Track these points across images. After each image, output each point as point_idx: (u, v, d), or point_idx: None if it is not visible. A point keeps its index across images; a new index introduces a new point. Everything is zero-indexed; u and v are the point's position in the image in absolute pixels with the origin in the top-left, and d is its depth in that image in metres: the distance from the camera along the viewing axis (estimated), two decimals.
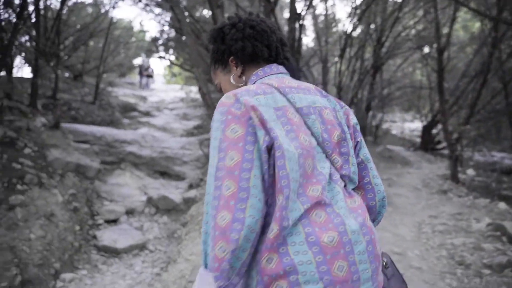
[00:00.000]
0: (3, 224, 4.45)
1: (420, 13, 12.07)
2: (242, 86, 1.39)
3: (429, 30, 11.53)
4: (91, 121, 11.17)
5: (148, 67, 19.03)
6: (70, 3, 13.02)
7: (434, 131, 13.73)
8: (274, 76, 1.36)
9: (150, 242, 6.28)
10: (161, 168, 10.15)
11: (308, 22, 15.76)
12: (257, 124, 1.14)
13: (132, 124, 13.15)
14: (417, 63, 15.69)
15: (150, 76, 19.18)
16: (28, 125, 7.49)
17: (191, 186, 8.83)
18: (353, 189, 1.35)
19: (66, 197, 5.76)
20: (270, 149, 1.14)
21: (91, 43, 15.84)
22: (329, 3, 26.23)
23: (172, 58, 16.98)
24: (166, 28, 14.69)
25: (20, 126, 7.27)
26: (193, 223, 5.66)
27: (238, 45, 1.37)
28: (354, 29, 11.40)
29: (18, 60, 13.51)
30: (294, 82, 1.35)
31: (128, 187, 9.15)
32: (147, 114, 14.94)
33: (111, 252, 5.80)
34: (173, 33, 14.68)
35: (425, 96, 15.18)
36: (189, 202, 7.58)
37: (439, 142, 13.88)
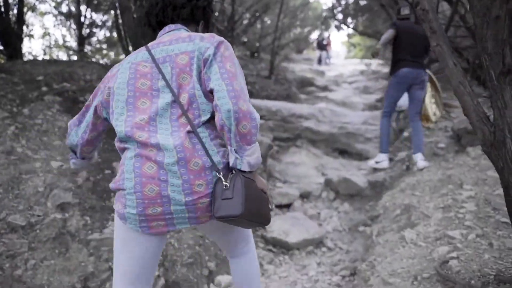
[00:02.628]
0: None
1: None
2: None
3: None
4: (266, 95, 10.30)
5: (324, 39, 17.58)
6: None
7: None
8: (166, 34, 1.78)
9: (328, 237, 4.87)
10: (341, 146, 8.65)
11: None
12: (110, 78, 1.75)
13: (309, 99, 11.95)
14: None
15: (325, 47, 17.63)
16: None
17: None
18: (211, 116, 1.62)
19: None
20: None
21: (267, 20, 15.13)
22: None
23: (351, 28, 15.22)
24: None
25: None
26: (387, 218, 4.04)
27: (144, 20, 1.91)
28: None
29: None
30: (169, 37, 1.72)
31: (304, 166, 7.92)
32: (324, 88, 13.61)
33: (281, 247, 4.56)
34: None
35: None
36: (376, 187, 5.93)
37: None
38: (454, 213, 3.41)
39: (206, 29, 1.94)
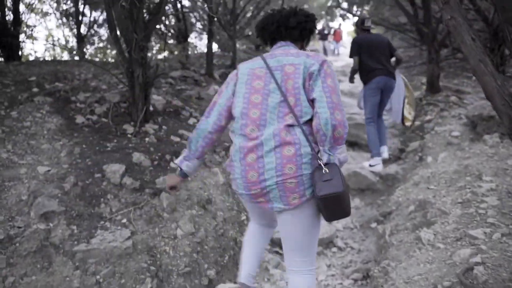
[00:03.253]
0: (143, 215, 3.28)
1: None
2: None
3: None
4: None
5: (325, 29, 17.07)
6: None
7: None
8: (278, 49, 2.14)
9: (338, 235, 4.56)
10: (350, 137, 8.30)
11: None
12: (232, 79, 2.12)
13: None
14: None
15: (326, 37, 17.09)
16: (199, 94, 6.48)
17: (388, 159, 6.79)
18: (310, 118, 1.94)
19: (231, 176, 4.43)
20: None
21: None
22: None
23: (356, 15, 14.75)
24: None
25: (190, 95, 6.28)
26: (400, 215, 3.70)
27: (257, 34, 2.27)
28: None
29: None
30: (281, 51, 2.09)
31: None
32: None
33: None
34: None
35: None
36: (388, 181, 5.59)
37: None
38: (474, 208, 3.06)
39: (307, 44, 2.31)
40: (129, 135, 4.33)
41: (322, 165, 1.86)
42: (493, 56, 9.80)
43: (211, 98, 7.18)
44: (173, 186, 2.25)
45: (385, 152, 5.52)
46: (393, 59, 5.47)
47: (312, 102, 1.93)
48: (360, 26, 5.50)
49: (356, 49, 5.22)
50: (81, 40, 8.77)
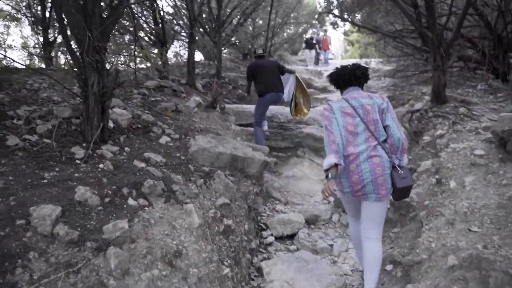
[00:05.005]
0: (79, 284, 2.21)
1: None
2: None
3: None
4: None
5: (313, 38, 16.14)
6: None
7: None
8: (349, 92, 3.12)
9: (347, 283, 3.53)
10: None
11: None
12: (331, 113, 2.99)
13: None
14: None
15: (313, 46, 16.16)
16: (176, 106, 5.43)
17: None
18: (385, 139, 2.98)
19: (211, 214, 3.37)
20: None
21: (259, 20, 13.82)
22: None
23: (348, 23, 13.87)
24: None
25: (165, 107, 5.23)
26: (437, 269, 2.67)
27: (334, 83, 3.27)
28: None
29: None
30: (356, 94, 3.08)
31: (307, 180, 6.58)
32: (324, 90, 12.30)
33: None
34: None
35: None
36: (401, 209, 4.58)
37: None
38: None
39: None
40: (77, 161, 3.26)
41: (398, 167, 2.92)
42: (497, 64, 8.97)
43: (191, 111, 6.15)
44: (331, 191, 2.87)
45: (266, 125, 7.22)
46: (285, 75, 6.96)
47: (385, 128, 2.96)
48: (254, 54, 7.06)
49: (250, 73, 6.78)
50: (48, 45, 7.67)
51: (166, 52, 7.32)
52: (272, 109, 8.10)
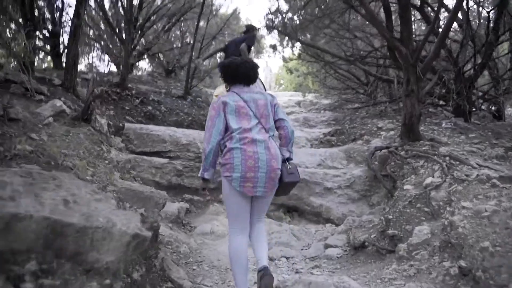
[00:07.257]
0: None
1: None
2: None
3: None
4: (177, 121, 6.62)
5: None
6: None
7: None
8: (237, 88, 2.86)
9: None
10: (288, 202, 5.24)
11: None
12: (221, 108, 2.71)
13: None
14: None
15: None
16: (7, 112, 2.94)
17: (347, 239, 3.76)
18: (274, 134, 2.83)
19: None
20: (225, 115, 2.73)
21: (187, 36, 11.62)
22: None
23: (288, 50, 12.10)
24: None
25: None
26: None
27: (226, 77, 2.95)
28: None
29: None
30: (247, 89, 2.86)
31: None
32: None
33: None
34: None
35: None
36: None
37: None
38: None
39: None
40: None
41: (287, 162, 2.77)
42: (459, 100, 7.48)
43: (40, 122, 3.51)
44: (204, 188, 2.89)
45: None
46: None
47: (276, 122, 2.87)
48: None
49: None
50: None
51: (34, 38, 4.81)
52: (189, 134, 5.81)
